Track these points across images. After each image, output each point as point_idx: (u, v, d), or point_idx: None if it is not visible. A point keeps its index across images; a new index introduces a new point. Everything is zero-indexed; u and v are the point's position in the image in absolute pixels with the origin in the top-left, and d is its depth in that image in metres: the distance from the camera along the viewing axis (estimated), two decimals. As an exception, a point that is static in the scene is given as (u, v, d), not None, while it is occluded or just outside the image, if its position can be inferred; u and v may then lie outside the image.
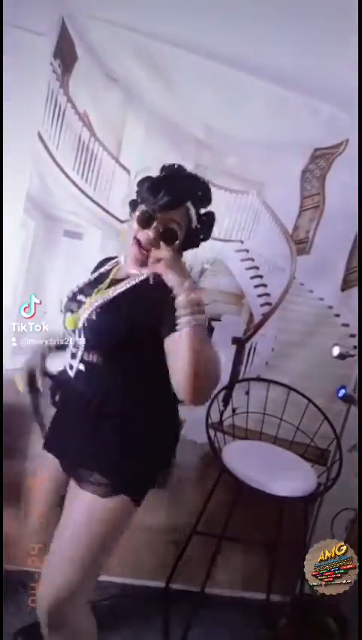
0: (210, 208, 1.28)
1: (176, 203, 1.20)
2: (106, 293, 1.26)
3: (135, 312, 1.21)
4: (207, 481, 1.88)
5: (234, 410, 1.99)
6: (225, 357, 2.02)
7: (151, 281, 1.22)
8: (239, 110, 1.84)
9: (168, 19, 1.71)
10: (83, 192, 1.79)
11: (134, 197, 1.27)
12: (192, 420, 1.99)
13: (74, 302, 1.30)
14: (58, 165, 1.77)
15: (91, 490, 1.22)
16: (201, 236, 1.31)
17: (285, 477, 1.70)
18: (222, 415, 1.97)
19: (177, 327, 1.09)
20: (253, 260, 1.99)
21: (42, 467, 1.42)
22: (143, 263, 1.22)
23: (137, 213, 1.22)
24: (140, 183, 1.26)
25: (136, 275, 1.26)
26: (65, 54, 1.71)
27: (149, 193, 1.20)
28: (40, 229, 1.80)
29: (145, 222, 1.20)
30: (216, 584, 1.79)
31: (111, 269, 1.36)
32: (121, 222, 1.81)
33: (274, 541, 2.00)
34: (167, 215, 1.20)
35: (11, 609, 1.68)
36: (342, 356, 1.92)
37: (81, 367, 1.26)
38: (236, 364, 2.03)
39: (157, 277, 1.19)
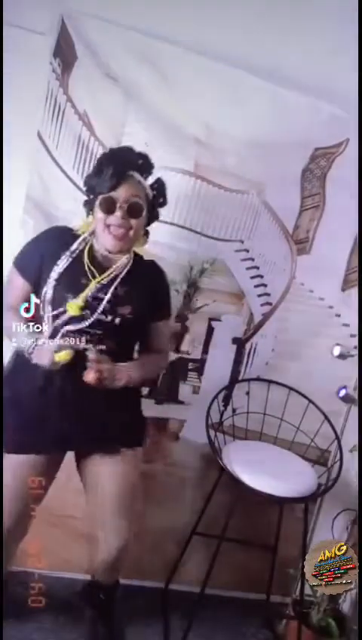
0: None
1: (121, 173, 1.31)
2: (103, 280, 1.35)
3: (143, 299, 1.37)
4: (207, 481, 1.88)
5: (234, 411, 1.99)
6: (226, 357, 2.03)
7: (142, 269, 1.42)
8: (239, 110, 1.84)
9: (168, 18, 1.72)
10: (83, 191, 1.79)
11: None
12: (192, 419, 2.00)
13: (66, 286, 1.33)
14: (58, 165, 1.77)
15: (126, 454, 1.43)
16: (160, 200, 1.43)
17: (285, 477, 1.70)
18: (222, 415, 1.96)
19: None
20: (253, 259, 1.99)
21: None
22: (123, 247, 1.36)
23: (98, 202, 1.32)
24: (86, 178, 1.41)
25: (121, 260, 1.38)
26: (65, 54, 1.71)
27: (95, 177, 1.34)
28: (40, 229, 1.80)
29: (108, 206, 1.31)
30: (216, 584, 1.78)
31: (83, 249, 1.39)
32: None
33: (274, 541, 2.00)
34: (125, 192, 1.31)
35: (11, 609, 1.67)
36: (342, 356, 1.92)
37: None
38: (236, 364, 2.03)
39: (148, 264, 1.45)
